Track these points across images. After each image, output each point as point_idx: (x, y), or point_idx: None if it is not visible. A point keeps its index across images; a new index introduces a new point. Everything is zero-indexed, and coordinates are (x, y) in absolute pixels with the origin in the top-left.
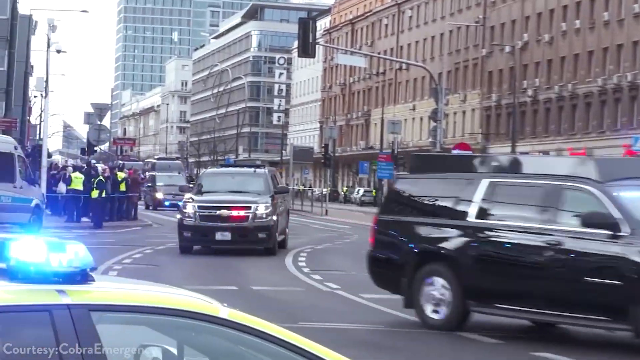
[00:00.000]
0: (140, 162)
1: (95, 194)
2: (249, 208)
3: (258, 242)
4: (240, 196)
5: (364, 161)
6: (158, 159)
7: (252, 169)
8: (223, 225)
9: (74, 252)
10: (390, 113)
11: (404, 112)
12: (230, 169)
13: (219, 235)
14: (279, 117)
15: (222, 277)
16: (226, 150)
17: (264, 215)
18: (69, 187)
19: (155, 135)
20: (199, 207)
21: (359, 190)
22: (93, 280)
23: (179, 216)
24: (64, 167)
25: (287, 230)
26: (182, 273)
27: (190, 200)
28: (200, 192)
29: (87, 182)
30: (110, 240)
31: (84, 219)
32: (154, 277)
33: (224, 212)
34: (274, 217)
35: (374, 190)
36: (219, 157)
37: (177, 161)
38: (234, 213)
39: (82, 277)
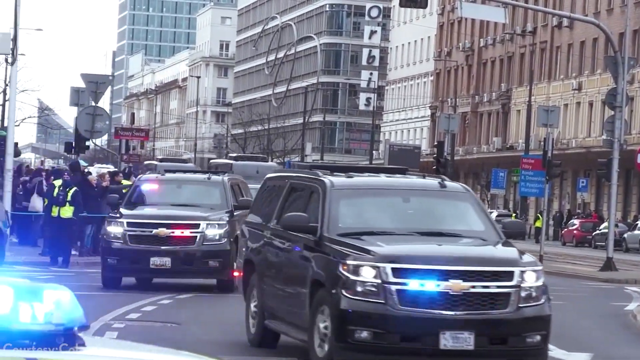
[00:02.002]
0: (190, 164)
1: (66, 212)
2: (197, 227)
3: (207, 272)
4: (186, 211)
5: (500, 169)
6: (236, 157)
7: (206, 176)
8: (161, 249)
9: (55, 301)
10: (542, 95)
11: (564, 94)
12: (176, 175)
13: (155, 261)
14: (368, 99)
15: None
16: (286, 149)
17: (217, 237)
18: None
19: (178, 125)
20: (129, 224)
21: (490, 212)
22: (83, 344)
23: (102, 237)
24: (40, 171)
25: None
26: (216, 335)
27: (118, 215)
28: (132, 205)
29: (62, 193)
30: None
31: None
32: (174, 341)
33: (162, 231)
34: (232, 240)
35: (513, 215)
36: (275, 160)
37: (272, 163)
38: (177, 233)
39: (66, 339)
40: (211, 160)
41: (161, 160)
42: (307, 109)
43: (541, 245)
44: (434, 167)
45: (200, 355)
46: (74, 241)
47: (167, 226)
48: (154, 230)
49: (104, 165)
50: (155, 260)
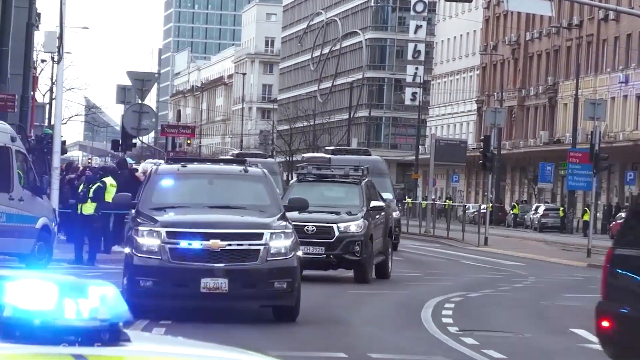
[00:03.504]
0: (270, 160)
1: (88, 208)
2: (259, 237)
3: (272, 296)
4: (240, 215)
5: (547, 162)
6: (334, 150)
7: (241, 168)
8: (215, 268)
9: (100, 297)
10: (589, 88)
11: (610, 87)
12: (202, 166)
13: (208, 283)
14: (414, 94)
15: (323, 337)
16: (332, 144)
17: (284, 250)
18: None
19: (224, 122)
20: (169, 234)
21: (537, 207)
22: (128, 340)
23: (127, 250)
24: (88, 169)
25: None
26: (263, 330)
27: (150, 222)
28: (156, 208)
29: (84, 190)
30: None
31: (117, 249)
32: (221, 336)
33: (215, 243)
34: (299, 254)
35: (561, 209)
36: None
37: (377, 157)
38: (234, 245)
39: (111, 335)
40: (304, 155)
41: (237, 156)
42: (352, 105)
43: (589, 239)
44: (480, 161)
45: (248, 351)
46: (99, 238)
47: (222, 236)
48: (205, 242)
49: (156, 161)
50: (207, 282)
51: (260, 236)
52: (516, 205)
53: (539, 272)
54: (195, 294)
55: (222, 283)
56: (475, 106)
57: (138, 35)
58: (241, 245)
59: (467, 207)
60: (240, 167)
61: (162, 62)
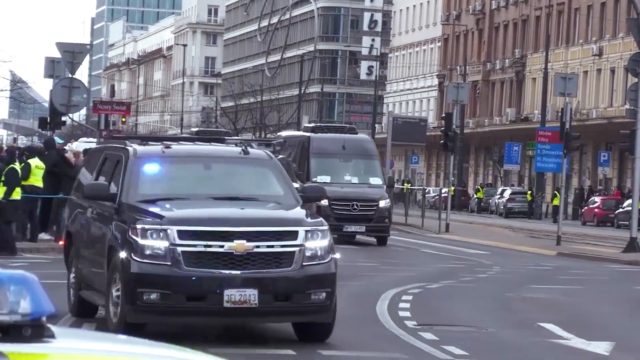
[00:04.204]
0: (232, 137)
1: None
2: (294, 236)
3: (308, 310)
4: (260, 208)
5: (514, 142)
6: (314, 128)
7: (238, 149)
8: (240, 276)
9: (21, 289)
10: (559, 61)
11: (583, 60)
12: (193, 147)
13: (233, 296)
14: (370, 67)
15: (269, 332)
16: (281, 123)
17: (321, 253)
18: (21, 183)
19: (163, 98)
20: (181, 234)
21: (503, 191)
22: (53, 336)
23: (124, 255)
24: (12, 150)
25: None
26: (200, 325)
27: (153, 218)
28: (151, 200)
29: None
30: None
31: (44, 237)
32: (160, 330)
33: (240, 245)
34: (337, 256)
35: (529, 193)
36: (268, 134)
37: (364, 136)
38: (263, 248)
39: (33, 331)
40: (280, 134)
41: (197, 133)
42: (303, 80)
43: (559, 225)
44: (441, 141)
45: (184, 348)
46: (20, 225)
47: (248, 236)
48: (227, 244)
49: (90, 140)
50: (232, 295)
51: (294, 235)
52: (480, 189)
53: (504, 262)
54: (216, 309)
55: (251, 295)
56: (436, 81)
57: (68, 2)
58: (272, 247)
59: (427, 190)
60: (238, 148)
61: (94, 33)
